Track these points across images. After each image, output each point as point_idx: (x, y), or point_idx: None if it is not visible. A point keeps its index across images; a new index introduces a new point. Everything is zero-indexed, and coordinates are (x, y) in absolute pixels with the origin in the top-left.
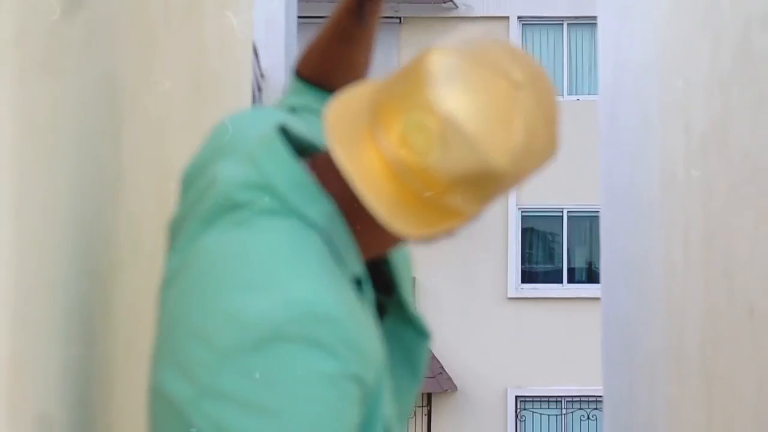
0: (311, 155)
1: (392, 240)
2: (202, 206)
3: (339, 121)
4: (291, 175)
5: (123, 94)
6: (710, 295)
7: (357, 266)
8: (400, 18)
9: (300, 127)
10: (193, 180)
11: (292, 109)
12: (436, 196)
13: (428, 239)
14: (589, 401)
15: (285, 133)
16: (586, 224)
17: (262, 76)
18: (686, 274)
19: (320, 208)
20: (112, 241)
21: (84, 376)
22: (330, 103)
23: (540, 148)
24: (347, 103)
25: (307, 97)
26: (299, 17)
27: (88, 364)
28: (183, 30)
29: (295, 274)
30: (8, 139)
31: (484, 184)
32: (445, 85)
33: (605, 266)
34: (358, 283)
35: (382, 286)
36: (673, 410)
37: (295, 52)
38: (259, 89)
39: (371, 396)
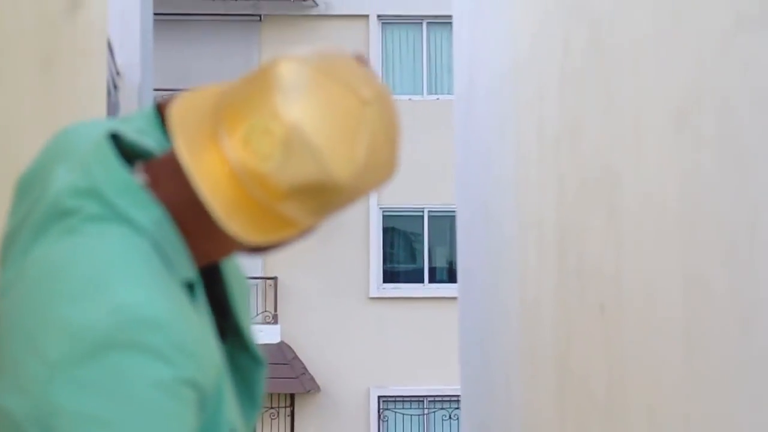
0: (145, 161)
1: (227, 246)
2: (34, 215)
3: (184, 120)
4: (118, 180)
5: None
6: (563, 293)
7: (189, 271)
8: (260, 15)
9: (134, 134)
10: (27, 189)
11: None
12: (273, 203)
13: (262, 246)
14: (451, 401)
15: (117, 139)
16: (447, 224)
17: (117, 73)
18: (540, 273)
19: (148, 212)
20: None
21: None
22: (175, 101)
23: (380, 167)
24: (192, 103)
25: (157, 135)
26: (155, 14)
27: None
28: (34, 28)
29: (120, 280)
30: None
31: (322, 197)
32: (294, 94)
33: (462, 265)
34: (191, 288)
35: (220, 310)
36: (528, 407)
37: (151, 49)
38: (115, 87)
39: (211, 400)
